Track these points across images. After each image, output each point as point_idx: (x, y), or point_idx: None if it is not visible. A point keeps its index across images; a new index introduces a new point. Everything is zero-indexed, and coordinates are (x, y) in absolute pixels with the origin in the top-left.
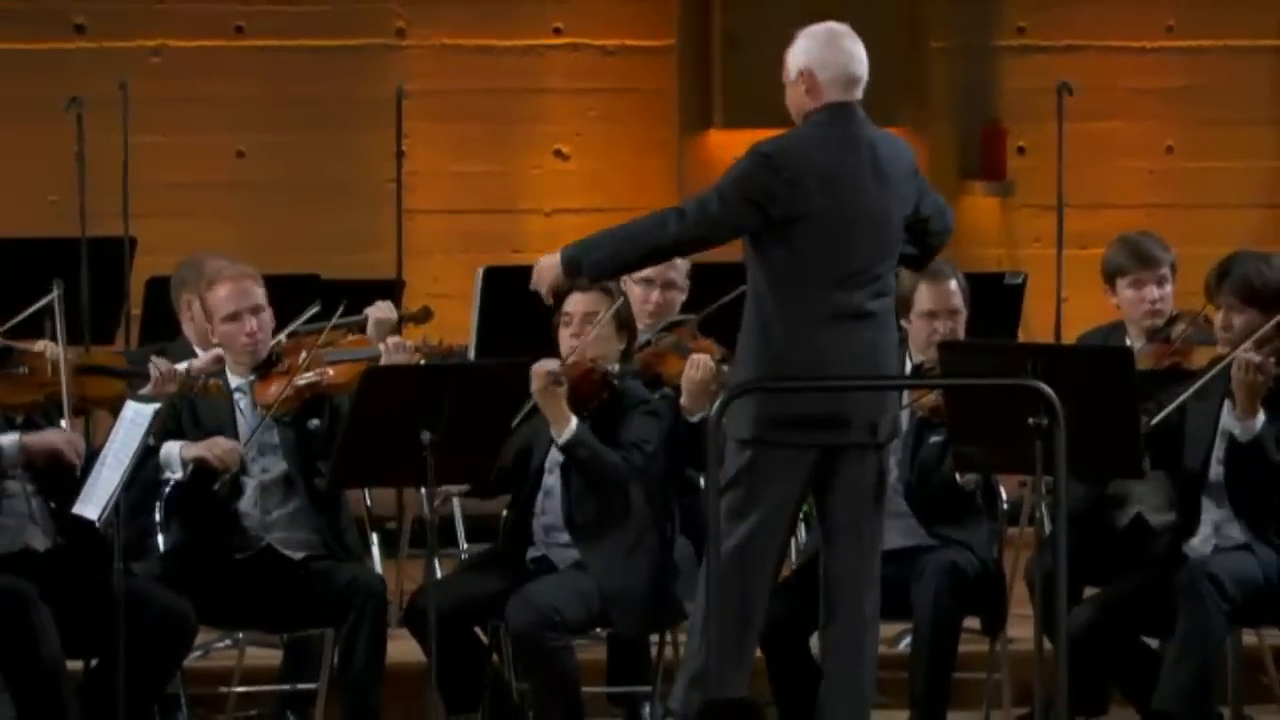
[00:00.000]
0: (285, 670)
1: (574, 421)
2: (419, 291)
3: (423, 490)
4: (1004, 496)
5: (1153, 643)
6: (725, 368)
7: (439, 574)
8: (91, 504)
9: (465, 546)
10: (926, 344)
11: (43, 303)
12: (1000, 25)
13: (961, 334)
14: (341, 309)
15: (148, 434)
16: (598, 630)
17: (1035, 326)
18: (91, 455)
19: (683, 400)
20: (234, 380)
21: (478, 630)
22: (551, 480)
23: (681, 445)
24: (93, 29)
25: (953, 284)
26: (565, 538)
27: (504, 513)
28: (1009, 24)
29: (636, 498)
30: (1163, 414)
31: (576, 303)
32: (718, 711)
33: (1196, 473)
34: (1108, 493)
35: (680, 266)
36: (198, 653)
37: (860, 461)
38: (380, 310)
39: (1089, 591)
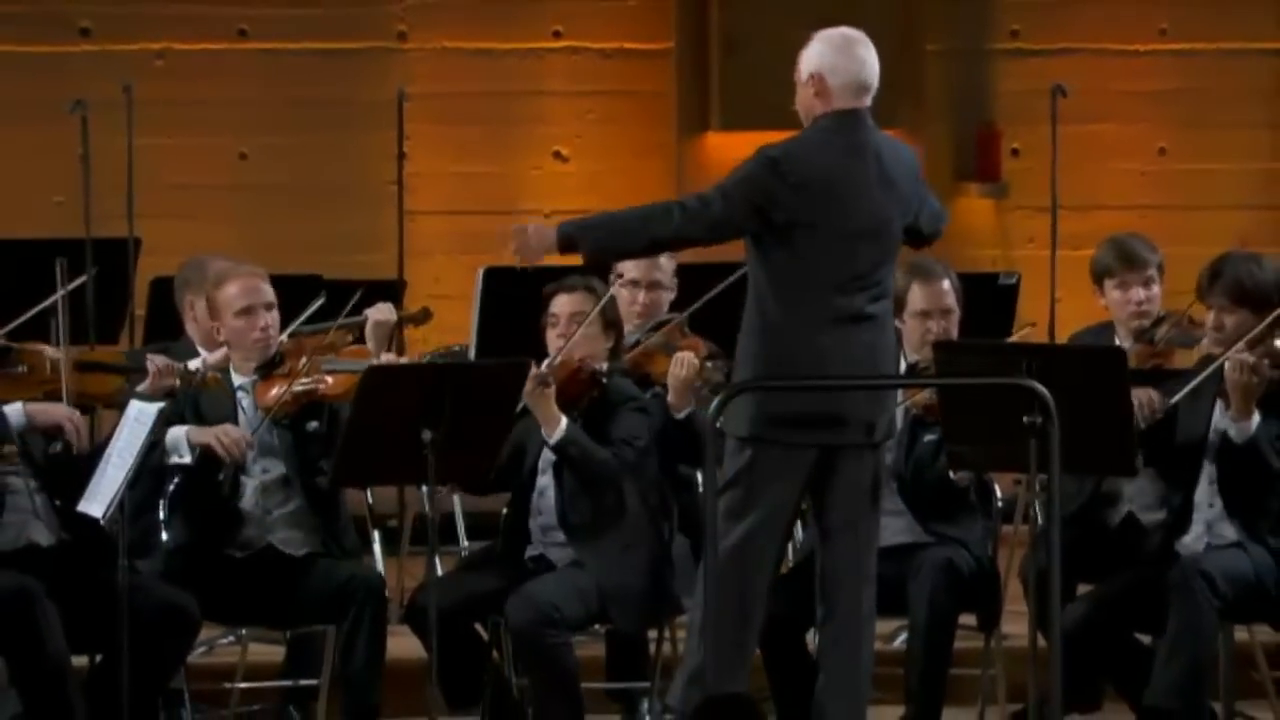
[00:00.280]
0: (287, 666)
1: (564, 421)
2: (420, 292)
3: (423, 488)
4: (999, 494)
5: (1145, 639)
6: (710, 364)
7: (440, 571)
8: (96, 502)
9: (465, 544)
10: (920, 343)
11: (51, 301)
12: (995, 28)
13: (955, 333)
14: (351, 305)
15: (151, 432)
16: (596, 627)
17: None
18: (95, 450)
19: (669, 397)
20: (237, 379)
21: (478, 627)
22: (545, 481)
23: (673, 443)
24: (98, 32)
25: (946, 284)
26: (561, 537)
27: (504, 511)
28: (1003, 27)
29: (630, 495)
30: (1158, 415)
31: (563, 303)
32: (715, 707)
33: (1189, 472)
34: (1101, 491)
35: (665, 267)
36: (201, 649)
37: (858, 461)
38: (379, 312)
39: (1083, 588)
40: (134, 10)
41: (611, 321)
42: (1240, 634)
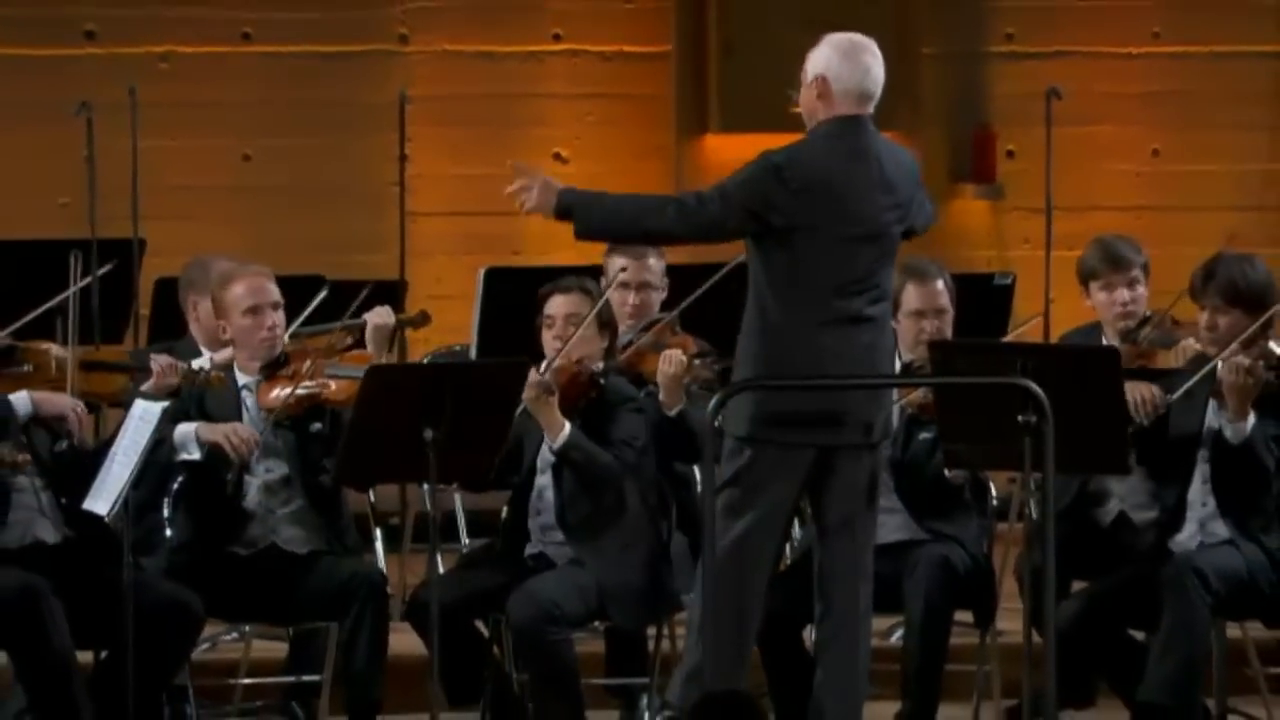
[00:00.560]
0: (290, 662)
1: (567, 427)
2: (421, 293)
3: (425, 486)
4: (994, 493)
5: (1139, 636)
6: (699, 361)
7: (441, 569)
8: (101, 500)
9: (466, 541)
10: (914, 343)
11: (64, 296)
12: (990, 32)
13: (948, 333)
14: (356, 304)
15: (156, 431)
16: (596, 624)
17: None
18: (100, 448)
19: (660, 395)
20: (241, 379)
21: (479, 624)
22: (544, 480)
23: (667, 440)
24: (103, 35)
25: (939, 284)
26: (561, 535)
27: (504, 510)
28: (998, 31)
29: (629, 494)
30: (1160, 410)
31: (558, 304)
32: (714, 704)
33: (1182, 470)
34: (1089, 490)
35: (655, 268)
36: (205, 645)
37: (856, 461)
38: (378, 316)
39: (1077, 586)
40: (139, 13)
41: (606, 322)
42: (1233, 631)
